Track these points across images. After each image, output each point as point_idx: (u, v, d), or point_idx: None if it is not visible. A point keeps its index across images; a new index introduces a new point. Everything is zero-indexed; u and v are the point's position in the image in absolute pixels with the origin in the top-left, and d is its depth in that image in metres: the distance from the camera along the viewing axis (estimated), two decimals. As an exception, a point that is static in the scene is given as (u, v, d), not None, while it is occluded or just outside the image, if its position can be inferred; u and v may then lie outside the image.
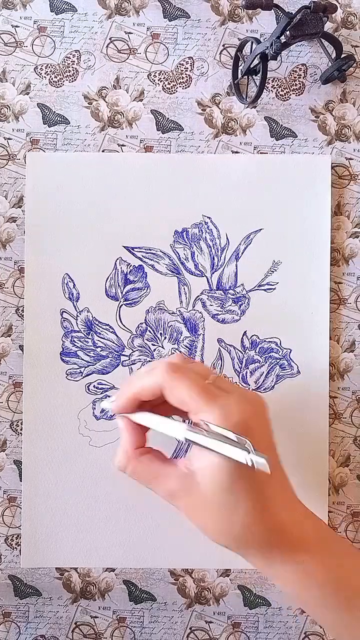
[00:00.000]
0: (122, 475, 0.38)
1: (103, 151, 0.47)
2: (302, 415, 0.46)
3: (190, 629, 0.46)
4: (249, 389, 0.46)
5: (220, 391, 0.37)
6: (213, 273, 0.46)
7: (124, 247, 0.46)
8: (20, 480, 0.46)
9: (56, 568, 0.46)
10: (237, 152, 0.47)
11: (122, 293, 0.46)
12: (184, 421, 0.37)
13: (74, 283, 0.46)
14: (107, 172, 0.46)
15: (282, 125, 0.47)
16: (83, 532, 0.46)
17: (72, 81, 0.47)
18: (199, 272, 0.46)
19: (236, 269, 0.46)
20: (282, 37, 0.41)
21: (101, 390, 0.46)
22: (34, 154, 0.47)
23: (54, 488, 0.45)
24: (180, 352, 0.46)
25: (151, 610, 0.46)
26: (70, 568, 0.46)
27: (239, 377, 0.46)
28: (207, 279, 0.46)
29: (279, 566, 0.36)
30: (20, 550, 0.46)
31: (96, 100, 0.47)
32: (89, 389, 0.46)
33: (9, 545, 0.46)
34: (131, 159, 0.47)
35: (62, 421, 0.46)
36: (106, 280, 0.46)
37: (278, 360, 0.46)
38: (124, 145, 0.47)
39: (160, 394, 0.36)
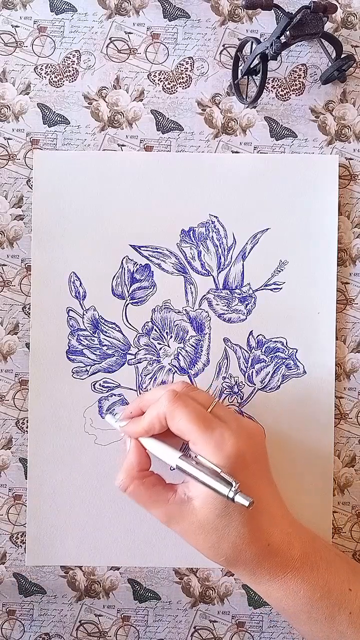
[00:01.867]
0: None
1: (103, 151, 0.47)
2: (308, 415, 0.46)
3: (194, 628, 0.46)
4: (254, 388, 0.46)
5: (218, 421, 0.38)
6: (219, 272, 0.46)
7: (131, 245, 0.46)
8: (26, 478, 0.46)
9: (61, 566, 0.46)
10: (237, 152, 0.47)
11: (128, 292, 0.46)
12: (184, 446, 0.39)
13: (80, 281, 0.46)
14: (113, 170, 0.46)
15: (282, 125, 0.47)
16: (88, 531, 0.46)
17: (72, 81, 0.47)
18: (205, 271, 0.46)
19: (243, 268, 0.46)
20: (282, 37, 0.41)
21: (107, 389, 0.46)
22: (40, 152, 0.47)
23: (59, 486, 0.45)
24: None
25: (155, 609, 0.46)
26: (75, 566, 0.46)
27: (244, 376, 0.46)
28: (214, 278, 0.46)
29: (265, 583, 0.38)
30: (25, 548, 0.46)
31: (96, 100, 0.47)
32: (94, 387, 0.46)
33: (13, 543, 0.46)
34: (138, 157, 0.47)
35: (67, 419, 0.46)
36: (112, 279, 0.46)
37: (284, 360, 0.46)
38: (124, 146, 0.47)
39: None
